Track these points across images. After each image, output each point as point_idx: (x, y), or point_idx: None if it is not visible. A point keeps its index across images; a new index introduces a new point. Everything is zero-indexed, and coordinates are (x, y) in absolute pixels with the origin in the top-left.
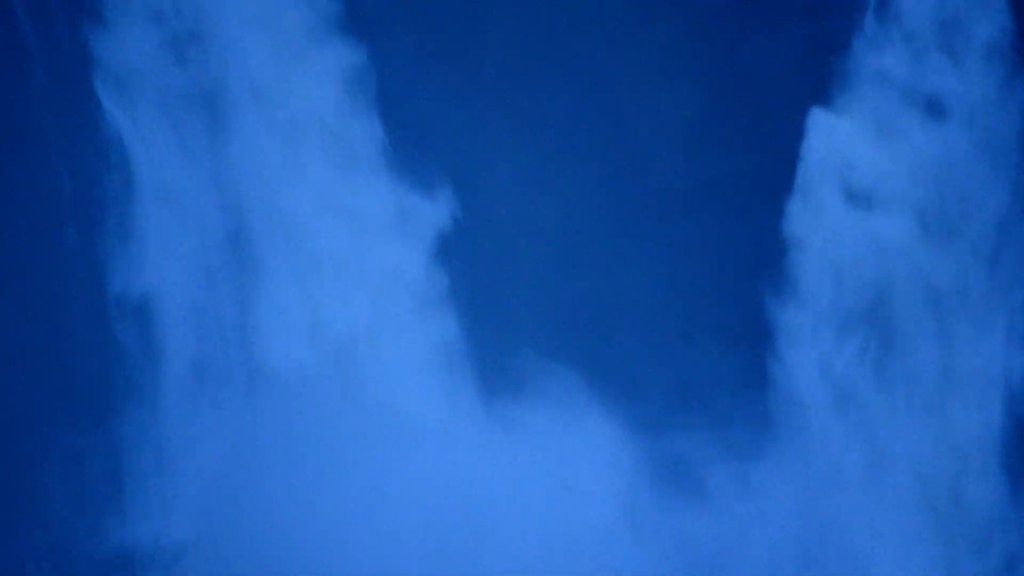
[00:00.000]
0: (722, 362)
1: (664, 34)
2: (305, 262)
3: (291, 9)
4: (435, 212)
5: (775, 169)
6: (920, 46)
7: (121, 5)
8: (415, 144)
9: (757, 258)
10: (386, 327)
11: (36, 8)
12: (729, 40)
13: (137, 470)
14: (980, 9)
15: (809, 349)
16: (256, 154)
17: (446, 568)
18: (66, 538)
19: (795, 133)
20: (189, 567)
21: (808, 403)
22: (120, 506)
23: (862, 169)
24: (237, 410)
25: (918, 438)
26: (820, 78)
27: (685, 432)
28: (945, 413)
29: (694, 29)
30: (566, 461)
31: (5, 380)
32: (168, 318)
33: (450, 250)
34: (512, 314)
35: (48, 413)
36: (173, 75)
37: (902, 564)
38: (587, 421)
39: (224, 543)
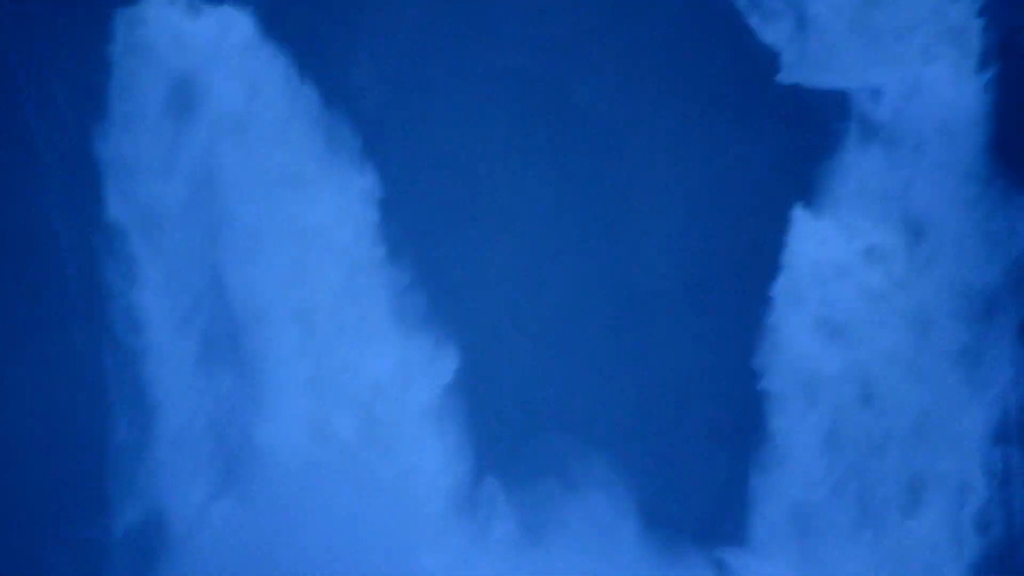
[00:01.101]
0: (711, 457)
1: (652, 140)
2: (308, 348)
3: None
4: (418, 304)
5: (760, 268)
6: (901, 155)
7: (125, 99)
8: (410, 245)
9: (744, 355)
10: (386, 424)
11: (43, 103)
12: (717, 145)
13: (140, 560)
14: (962, 120)
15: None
16: (258, 244)
17: None
18: None
19: (779, 234)
20: None
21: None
22: None
23: (842, 271)
24: (241, 497)
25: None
26: (804, 182)
27: (674, 527)
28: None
29: (681, 135)
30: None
31: (12, 475)
32: (171, 412)
33: (433, 343)
34: (504, 409)
35: (52, 506)
36: (177, 167)
37: None
38: (573, 515)
39: None
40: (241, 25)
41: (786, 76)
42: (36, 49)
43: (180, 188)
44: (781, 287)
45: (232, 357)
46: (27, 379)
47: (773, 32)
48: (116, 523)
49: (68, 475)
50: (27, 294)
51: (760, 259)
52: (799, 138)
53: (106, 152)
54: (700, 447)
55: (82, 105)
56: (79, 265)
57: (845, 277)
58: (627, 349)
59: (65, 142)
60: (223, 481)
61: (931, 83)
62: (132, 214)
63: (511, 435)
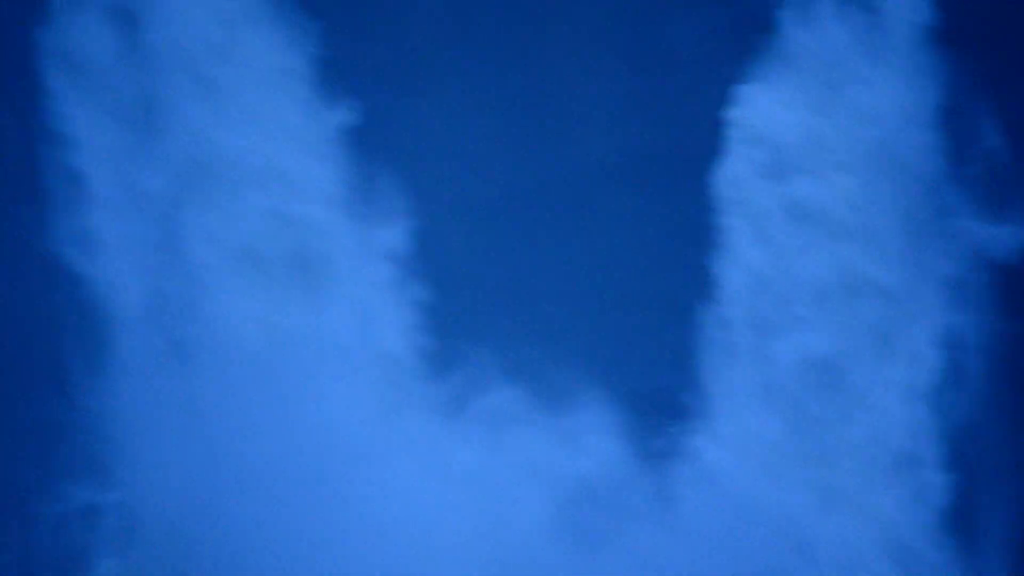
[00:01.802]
0: (656, 329)
1: (594, 12)
2: (254, 255)
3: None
4: (361, 186)
5: (701, 143)
6: (843, 24)
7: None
8: (346, 127)
9: (684, 228)
10: (330, 319)
11: None
12: (656, 17)
13: (98, 442)
14: None
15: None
16: (203, 143)
17: None
18: (27, 510)
19: (722, 108)
20: (158, 543)
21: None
22: (82, 478)
23: (787, 141)
24: (192, 389)
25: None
26: (745, 54)
27: (624, 401)
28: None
29: (621, 6)
30: (498, 440)
31: None
32: (121, 292)
33: (383, 228)
34: (443, 291)
35: (3, 387)
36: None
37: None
38: (519, 393)
39: (194, 519)
40: None
41: None
42: None
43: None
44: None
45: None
46: None
47: None
48: (75, 405)
49: (27, 356)
50: None
51: (703, 132)
52: (740, 8)
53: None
54: (646, 319)
55: None
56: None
57: (792, 146)
58: (567, 224)
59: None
60: (179, 367)
61: None
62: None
63: (447, 316)
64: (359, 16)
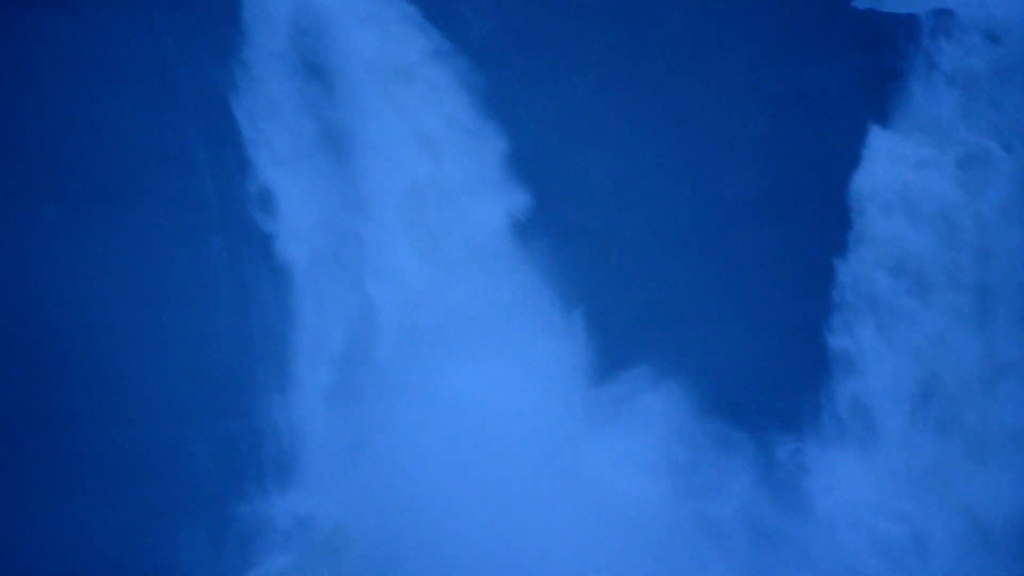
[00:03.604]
0: (788, 352)
1: (737, 63)
2: (428, 266)
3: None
4: (531, 218)
5: (836, 182)
6: (971, 74)
7: (256, 40)
8: (519, 163)
9: (814, 260)
10: (494, 328)
11: (183, 42)
12: (795, 67)
13: (278, 453)
14: None
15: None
16: (375, 168)
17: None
18: (216, 511)
19: (855, 150)
20: (324, 543)
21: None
22: (263, 484)
23: (911, 181)
24: (368, 400)
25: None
26: (878, 101)
27: (755, 417)
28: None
29: (764, 58)
30: (642, 444)
31: (162, 376)
32: (303, 315)
33: (547, 254)
34: (602, 311)
35: (200, 402)
36: (301, 99)
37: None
38: (665, 408)
39: (357, 523)
40: None
41: (861, 2)
42: None
43: (306, 110)
44: (857, 195)
45: (358, 264)
46: (177, 291)
47: None
48: (259, 418)
49: (217, 375)
50: (172, 216)
51: (836, 170)
52: (874, 58)
53: (239, 82)
54: (780, 343)
55: (217, 38)
56: (218, 187)
57: (919, 191)
58: (713, 253)
59: (199, 73)
60: (356, 379)
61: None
62: (263, 139)
63: (606, 332)
64: (530, 66)
